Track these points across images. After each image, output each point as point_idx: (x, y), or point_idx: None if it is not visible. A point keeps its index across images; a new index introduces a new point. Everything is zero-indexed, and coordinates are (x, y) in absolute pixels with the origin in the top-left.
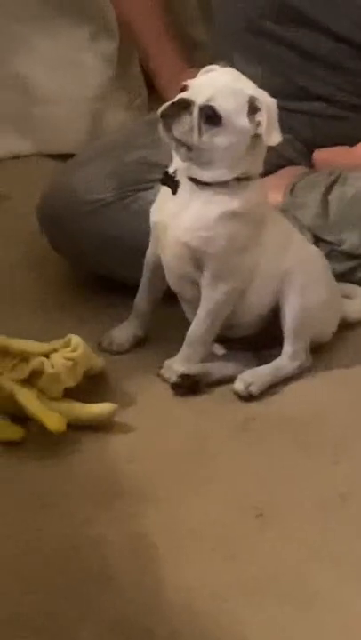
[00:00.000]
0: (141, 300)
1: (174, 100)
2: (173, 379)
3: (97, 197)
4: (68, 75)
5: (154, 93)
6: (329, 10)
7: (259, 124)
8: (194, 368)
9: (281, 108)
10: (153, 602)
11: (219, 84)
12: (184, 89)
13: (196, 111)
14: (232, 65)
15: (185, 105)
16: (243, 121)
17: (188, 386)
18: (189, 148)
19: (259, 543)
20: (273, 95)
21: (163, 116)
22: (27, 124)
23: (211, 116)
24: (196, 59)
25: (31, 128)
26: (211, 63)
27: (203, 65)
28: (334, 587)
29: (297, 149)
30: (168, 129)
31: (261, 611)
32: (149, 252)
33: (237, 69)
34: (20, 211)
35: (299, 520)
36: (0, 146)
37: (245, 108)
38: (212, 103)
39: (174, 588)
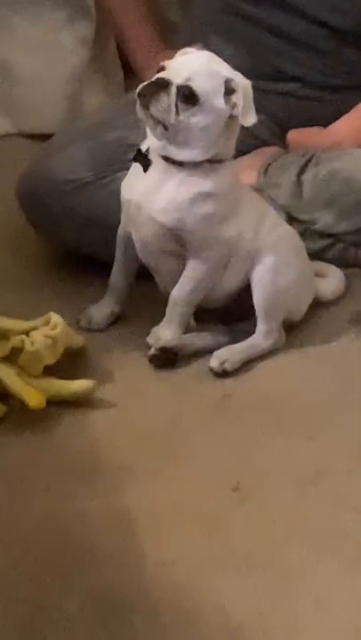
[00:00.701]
0: (116, 276)
1: (152, 79)
2: (152, 351)
3: (76, 177)
4: (46, 56)
5: (130, 75)
6: None
7: (235, 105)
8: (171, 341)
9: (256, 89)
10: (134, 575)
11: (196, 66)
12: (161, 69)
13: (173, 91)
14: (208, 46)
15: (163, 84)
16: (219, 102)
17: (166, 358)
18: (166, 126)
19: (235, 517)
20: (248, 76)
21: (141, 94)
22: (5, 104)
23: (188, 96)
24: (172, 41)
25: (10, 108)
26: (187, 45)
27: (179, 47)
28: (308, 560)
29: (271, 130)
30: (146, 107)
31: (238, 583)
32: (121, 229)
33: (213, 50)
34: None
35: (274, 495)
36: None
37: (222, 89)
38: (189, 83)
39: (154, 562)
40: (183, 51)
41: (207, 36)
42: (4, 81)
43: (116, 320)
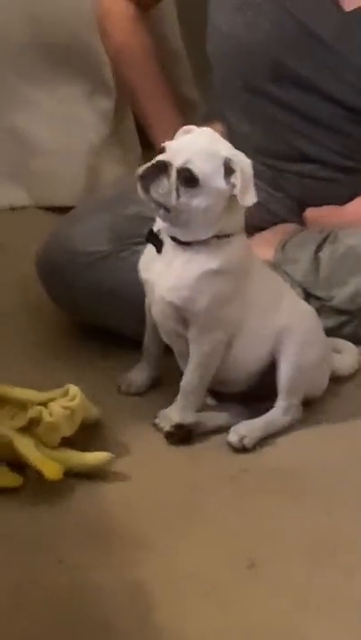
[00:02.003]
0: (149, 342)
1: (152, 162)
2: (167, 428)
3: (94, 250)
4: (65, 129)
5: (148, 149)
6: (325, 72)
7: (234, 185)
8: (188, 418)
9: (272, 168)
10: None
11: (196, 147)
12: (162, 151)
13: (173, 173)
14: (224, 123)
15: (163, 167)
16: (219, 182)
17: (182, 435)
18: (167, 209)
19: (250, 591)
20: (265, 155)
21: (141, 177)
22: (23, 176)
23: (188, 179)
24: (189, 117)
25: (28, 180)
26: (205, 120)
27: (198, 123)
28: (324, 636)
29: (288, 207)
30: (146, 190)
31: None
32: (147, 303)
33: (231, 128)
34: (16, 260)
35: (290, 569)
36: None
37: (221, 170)
38: (189, 166)
39: (169, 634)
40: (186, 128)
41: (224, 113)
42: (23, 153)
43: (155, 383)
